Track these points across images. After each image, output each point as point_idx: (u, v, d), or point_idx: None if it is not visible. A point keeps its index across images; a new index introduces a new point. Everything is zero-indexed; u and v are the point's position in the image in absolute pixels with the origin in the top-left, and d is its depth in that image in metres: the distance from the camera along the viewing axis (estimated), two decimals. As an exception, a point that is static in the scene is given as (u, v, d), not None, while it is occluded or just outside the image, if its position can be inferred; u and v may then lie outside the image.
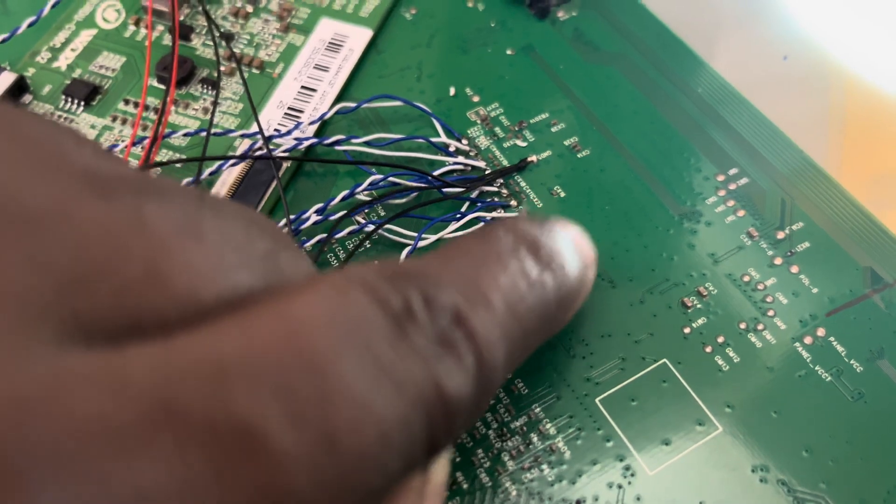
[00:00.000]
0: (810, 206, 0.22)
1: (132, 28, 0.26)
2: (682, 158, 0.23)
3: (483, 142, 0.24)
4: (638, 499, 0.18)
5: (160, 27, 0.26)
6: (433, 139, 0.23)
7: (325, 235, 0.21)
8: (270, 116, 0.24)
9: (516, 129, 0.24)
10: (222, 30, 0.26)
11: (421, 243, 0.21)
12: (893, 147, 0.25)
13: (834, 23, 0.28)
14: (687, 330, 0.20)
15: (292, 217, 0.21)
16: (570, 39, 0.26)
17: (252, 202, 0.22)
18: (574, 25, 0.27)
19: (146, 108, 0.24)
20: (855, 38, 0.27)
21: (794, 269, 0.21)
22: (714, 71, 0.25)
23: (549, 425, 0.19)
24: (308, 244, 0.21)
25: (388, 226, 0.22)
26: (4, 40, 0.24)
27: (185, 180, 0.22)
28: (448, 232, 0.21)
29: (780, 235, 0.22)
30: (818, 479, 0.18)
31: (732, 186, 0.23)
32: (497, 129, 0.24)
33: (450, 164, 0.23)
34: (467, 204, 0.22)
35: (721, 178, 0.23)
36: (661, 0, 0.27)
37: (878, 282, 0.21)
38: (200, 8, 0.26)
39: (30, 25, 0.24)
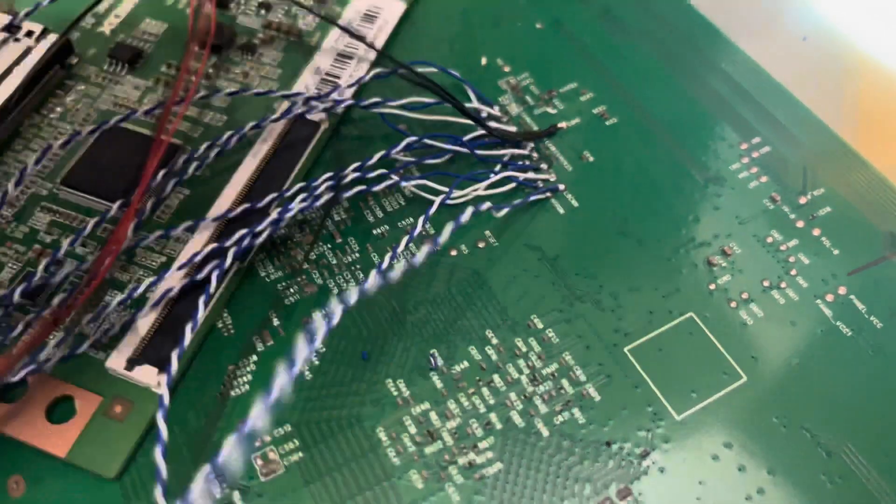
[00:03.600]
0: (830, 173, 0.23)
1: (173, -3, 0.27)
2: (707, 128, 0.24)
3: (514, 109, 0.25)
4: (666, 440, 0.19)
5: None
6: (466, 105, 0.24)
7: (364, 188, 0.22)
8: (308, 82, 0.25)
9: (546, 97, 0.25)
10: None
11: (450, 200, 0.22)
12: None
13: (852, 5, 0.29)
14: (712, 286, 0.21)
15: (331, 173, 0.22)
16: (597, 15, 0.27)
17: (293, 159, 0.23)
18: (602, 2, 0.28)
19: (187, 71, 0.25)
20: (872, 21, 0.28)
21: (816, 232, 0.22)
22: (737, 46, 0.26)
23: (579, 372, 0.20)
24: (346, 196, 0.22)
25: (421, 182, 0.22)
26: (52, 0, 0.25)
27: (228, 133, 0.22)
28: (482, 188, 0.22)
29: (802, 200, 0.23)
30: (840, 427, 0.19)
31: (755, 154, 0.24)
32: (527, 98, 0.25)
33: (483, 129, 0.23)
34: (499, 165, 0.23)
35: (744, 146, 0.24)
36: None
37: (897, 245, 0.22)
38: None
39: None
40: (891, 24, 0.28)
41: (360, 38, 0.23)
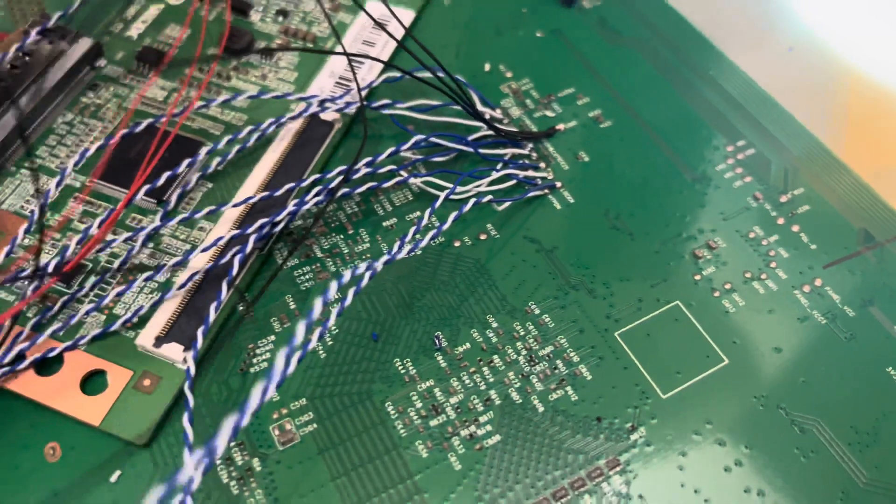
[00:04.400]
0: (810, 174, 0.25)
1: (196, 3, 0.29)
2: (695, 131, 0.26)
3: (515, 112, 0.26)
4: (652, 417, 0.20)
5: (221, 4, 0.29)
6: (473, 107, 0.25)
7: (374, 184, 0.23)
8: (323, 84, 0.27)
9: (545, 101, 0.27)
10: (278, 7, 0.29)
11: (454, 196, 0.24)
12: (892, 137, 0.27)
13: (837, 17, 0.30)
14: (697, 277, 0.23)
15: (344, 168, 0.23)
16: (594, 25, 0.29)
17: (308, 157, 0.24)
18: (598, 13, 0.29)
19: (200, 72, 0.27)
20: (858, 33, 0.30)
21: (795, 228, 0.24)
22: (724, 55, 0.28)
23: (572, 354, 0.21)
24: (358, 191, 0.23)
25: (428, 178, 0.24)
26: (84, 3, 0.27)
27: (248, 128, 0.24)
28: (484, 184, 0.24)
29: (783, 199, 0.24)
30: (813, 406, 0.20)
31: (741, 156, 0.25)
32: (527, 101, 0.27)
33: (485, 129, 0.25)
34: (501, 164, 0.25)
35: (730, 148, 0.25)
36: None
37: (870, 240, 0.23)
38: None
39: (106, -4, 0.27)
40: (872, 36, 0.30)
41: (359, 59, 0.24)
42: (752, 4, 0.31)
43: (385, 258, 0.20)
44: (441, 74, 0.26)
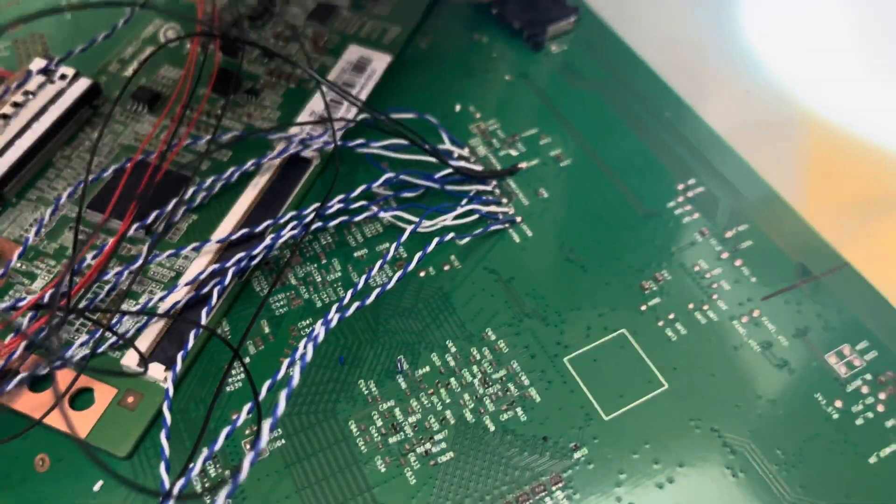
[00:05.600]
0: (753, 211, 0.26)
1: (188, 46, 0.31)
2: (649, 170, 0.28)
3: (482, 150, 0.28)
4: (595, 438, 0.22)
5: (211, 46, 0.31)
6: (440, 146, 0.27)
7: (346, 218, 0.25)
8: (302, 126, 0.28)
9: (510, 140, 0.28)
10: (265, 50, 0.31)
11: (420, 229, 0.26)
12: (849, 178, 0.29)
13: (794, 61, 0.32)
14: (643, 307, 0.24)
15: (319, 204, 0.25)
16: (559, 69, 0.31)
17: (287, 191, 0.26)
18: (564, 58, 0.31)
19: (190, 110, 0.29)
20: (817, 80, 0.32)
21: (738, 262, 0.25)
22: (682, 99, 0.30)
23: (524, 377, 0.23)
24: (332, 224, 0.25)
25: (397, 213, 0.26)
26: (83, 49, 0.29)
27: (231, 168, 0.26)
28: (449, 218, 0.26)
29: (728, 234, 0.26)
30: (745, 429, 0.22)
31: (690, 194, 0.27)
32: (494, 141, 0.29)
33: (451, 168, 0.27)
34: (466, 199, 0.26)
35: (681, 186, 0.27)
36: (639, 39, 0.32)
37: (806, 274, 0.25)
38: (247, 32, 0.30)
39: (105, 38, 0.29)
40: (827, 79, 0.32)
41: (346, 92, 0.26)
42: (713, 49, 0.33)
43: (356, 304, 0.22)
44: (411, 116, 0.28)
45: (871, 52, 0.33)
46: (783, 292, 0.25)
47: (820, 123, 0.30)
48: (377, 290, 0.23)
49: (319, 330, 0.20)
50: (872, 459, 0.21)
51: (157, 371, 0.22)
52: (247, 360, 0.23)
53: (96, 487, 0.21)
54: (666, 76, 0.31)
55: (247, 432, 0.22)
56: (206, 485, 0.21)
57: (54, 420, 0.22)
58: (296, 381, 0.18)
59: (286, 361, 0.21)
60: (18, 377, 0.22)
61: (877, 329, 0.24)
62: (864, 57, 0.33)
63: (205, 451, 0.20)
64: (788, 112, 0.31)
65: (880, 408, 0.22)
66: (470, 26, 0.32)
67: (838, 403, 0.22)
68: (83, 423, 0.22)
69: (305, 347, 0.19)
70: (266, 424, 0.17)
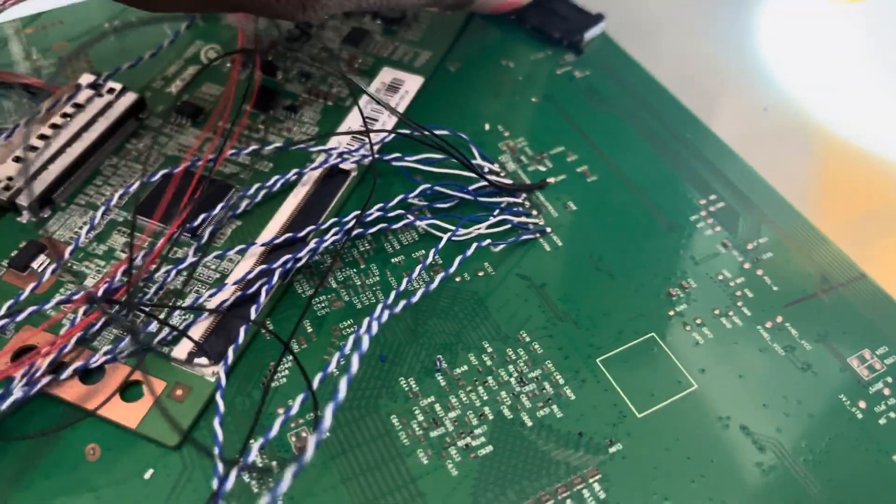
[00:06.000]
0: (774, 225, 0.28)
1: (228, 65, 0.32)
2: (671, 185, 0.29)
3: (511, 166, 0.30)
4: (628, 434, 0.23)
5: (250, 66, 0.32)
6: (471, 161, 0.29)
7: (385, 225, 0.26)
8: (341, 139, 0.30)
9: (538, 157, 0.30)
10: (303, 70, 0.32)
11: (455, 237, 0.27)
12: (863, 192, 0.30)
13: (810, 80, 0.34)
14: (671, 313, 0.25)
15: (358, 212, 0.26)
16: (583, 92, 0.32)
17: (327, 201, 0.27)
18: (588, 82, 0.33)
19: (232, 125, 0.30)
20: (830, 95, 0.33)
21: (759, 272, 0.26)
22: (699, 119, 0.31)
23: (558, 377, 0.24)
24: (370, 231, 0.26)
25: (433, 222, 0.27)
26: (132, 66, 0.30)
27: (275, 177, 0.27)
28: (483, 228, 0.27)
29: (749, 246, 0.27)
30: (772, 427, 0.23)
31: (712, 209, 0.28)
32: (522, 157, 0.30)
33: (485, 181, 0.28)
34: (498, 210, 0.28)
35: (703, 201, 0.28)
36: (659, 64, 0.33)
37: (825, 284, 0.26)
38: (287, 52, 0.32)
39: (151, 56, 0.31)
40: (842, 96, 0.33)
41: (385, 104, 0.28)
42: (728, 66, 0.34)
43: (403, 302, 0.23)
44: (444, 132, 0.29)
45: (882, 66, 0.35)
46: (804, 300, 0.26)
47: (834, 138, 0.32)
48: (421, 290, 0.24)
49: (372, 323, 0.21)
50: (895, 457, 0.22)
51: (203, 365, 0.23)
52: (290, 357, 0.24)
53: (147, 475, 0.22)
54: (682, 97, 0.32)
55: (292, 426, 0.23)
56: (255, 476, 0.22)
57: (105, 410, 0.22)
58: (354, 368, 0.19)
59: (337, 354, 0.22)
60: (71, 368, 0.23)
61: (895, 336, 0.25)
62: (876, 72, 0.35)
63: (260, 440, 0.21)
64: (803, 128, 0.32)
65: (901, 409, 0.23)
66: (497, 52, 0.34)
67: (862, 404, 0.23)
68: (133, 414, 0.23)
69: (360, 337, 0.20)
70: (329, 408, 0.18)
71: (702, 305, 0.26)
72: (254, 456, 0.21)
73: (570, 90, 0.33)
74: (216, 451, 0.21)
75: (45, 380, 0.22)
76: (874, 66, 0.35)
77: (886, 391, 0.24)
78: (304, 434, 0.22)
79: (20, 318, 0.23)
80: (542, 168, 0.30)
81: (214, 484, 0.21)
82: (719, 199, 0.29)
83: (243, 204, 0.27)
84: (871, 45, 0.36)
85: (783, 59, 0.35)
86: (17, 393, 0.22)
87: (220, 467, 0.21)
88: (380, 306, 0.22)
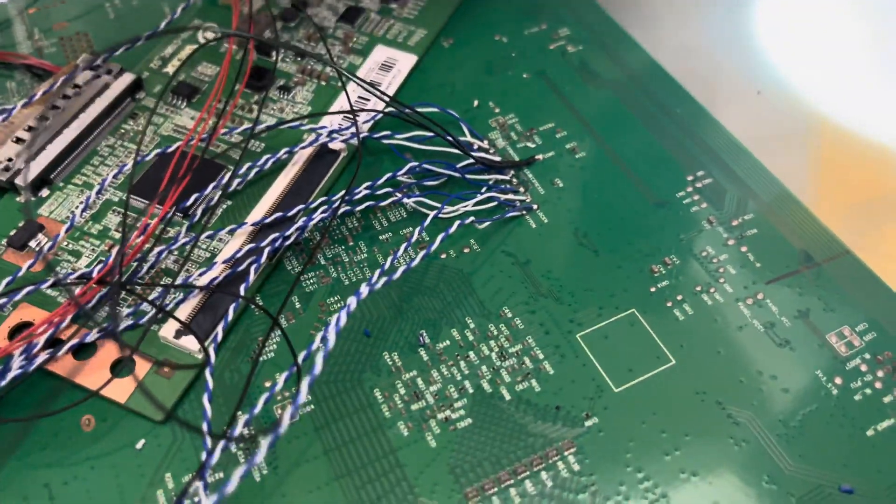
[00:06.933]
0: (759, 201, 0.28)
1: (225, 45, 0.33)
2: (659, 161, 0.29)
3: (500, 143, 0.30)
4: (605, 407, 0.23)
5: (245, 46, 0.32)
6: (461, 138, 0.29)
7: (373, 203, 0.27)
8: (333, 118, 0.30)
9: (528, 134, 0.30)
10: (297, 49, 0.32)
11: (442, 214, 0.27)
12: (854, 174, 0.30)
13: (803, 62, 0.34)
14: (653, 289, 0.26)
15: (343, 191, 0.27)
16: (576, 68, 0.32)
17: (317, 180, 0.28)
18: (580, 57, 0.33)
19: (225, 104, 0.30)
20: (826, 80, 0.33)
21: (744, 249, 0.27)
22: (691, 95, 0.31)
23: (538, 352, 0.24)
24: (358, 209, 0.27)
25: (420, 199, 0.27)
26: (128, 48, 0.31)
27: (266, 156, 0.28)
28: (470, 205, 0.27)
29: (734, 223, 0.27)
30: (748, 402, 0.23)
31: (699, 185, 0.28)
32: (512, 134, 0.30)
33: (472, 158, 0.28)
34: (485, 188, 0.28)
35: (690, 177, 0.29)
36: (651, 39, 0.33)
37: (809, 260, 0.26)
38: (279, 34, 0.32)
39: (147, 38, 0.31)
40: (836, 80, 0.33)
41: (374, 86, 0.28)
42: (725, 51, 0.34)
43: (384, 279, 0.23)
44: (434, 109, 0.29)
45: (880, 54, 0.34)
46: (786, 277, 0.26)
47: (828, 123, 0.32)
48: (403, 268, 0.24)
49: (351, 301, 0.22)
50: (870, 432, 0.23)
51: (191, 343, 0.24)
52: (278, 332, 0.25)
53: (139, 446, 0.22)
54: (678, 76, 0.32)
55: (279, 398, 0.23)
56: (243, 447, 0.22)
57: (96, 385, 0.23)
58: (331, 343, 0.20)
59: (320, 334, 0.22)
60: (67, 345, 0.24)
61: (876, 313, 0.25)
62: (873, 60, 0.34)
63: (246, 415, 0.22)
64: (798, 112, 0.32)
65: (878, 385, 0.23)
66: (491, 27, 0.34)
67: (838, 380, 0.24)
68: (123, 388, 0.23)
69: (339, 316, 0.21)
70: (305, 382, 0.19)
71: (684, 282, 0.26)
72: (241, 429, 0.22)
73: (561, 65, 0.33)
74: (204, 426, 0.22)
75: (42, 356, 0.23)
76: (871, 51, 0.35)
77: (864, 367, 0.24)
78: (289, 407, 0.23)
79: (18, 297, 0.24)
80: (531, 145, 0.30)
81: (203, 456, 0.21)
82: (707, 175, 0.29)
83: (234, 183, 0.28)
84: (868, 31, 0.36)
85: (780, 42, 0.35)
86: (16, 370, 0.23)
87: (209, 441, 0.22)
88: (363, 285, 0.23)
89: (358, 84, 0.28)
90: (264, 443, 0.18)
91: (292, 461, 0.22)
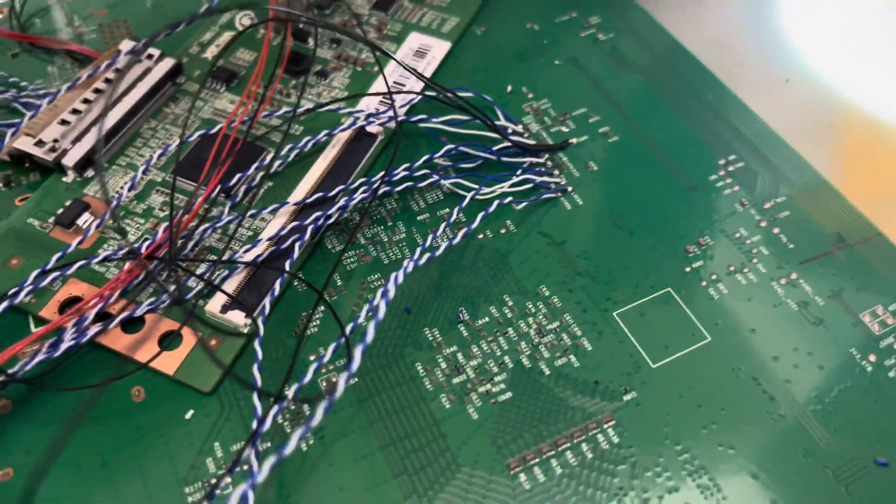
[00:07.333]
0: (791, 184, 0.28)
1: (262, 31, 0.33)
2: (692, 145, 0.30)
3: (534, 127, 0.30)
4: (642, 382, 0.24)
5: (282, 32, 0.33)
6: (496, 122, 0.29)
7: (411, 184, 0.27)
8: (369, 102, 0.31)
9: (561, 118, 0.31)
10: (332, 37, 0.33)
11: (479, 196, 0.28)
12: (885, 160, 0.30)
13: (832, 51, 0.34)
14: (688, 269, 0.26)
15: (383, 172, 0.27)
16: (607, 54, 0.33)
17: (355, 162, 0.29)
18: (611, 44, 0.33)
19: (263, 89, 0.31)
20: (851, 67, 0.33)
21: (776, 231, 0.27)
22: (721, 82, 0.32)
23: (576, 329, 0.25)
24: (397, 190, 0.27)
25: (457, 180, 0.28)
26: (168, 34, 0.31)
27: (306, 138, 0.28)
28: (506, 186, 0.28)
29: (767, 205, 0.28)
30: (782, 378, 0.24)
31: (731, 168, 0.29)
32: (546, 118, 0.31)
33: (508, 141, 0.29)
34: (520, 170, 0.28)
35: (722, 161, 0.29)
36: (681, 25, 0.34)
37: (841, 242, 0.27)
38: (316, 20, 0.33)
39: (186, 24, 0.32)
40: (863, 66, 0.33)
41: (412, 70, 0.28)
42: (754, 38, 0.35)
43: (427, 255, 0.24)
44: (469, 94, 0.30)
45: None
46: (819, 258, 0.26)
47: (856, 111, 0.32)
48: (444, 245, 0.25)
49: (398, 273, 0.22)
50: (903, 408, 0.23)
51: (236, 317, 0.25)
52: (322, 308, 0.25)
53: (188, 416, 0.23)
54: (708, 62, 0.32)
55: (323, 371, 0.24)
56: (289, 417, 0.23)
57: (145, 357, 0.24)
58: (381, 313, 0.20)
59: (366, 306, 0.23)
60: (118, 318, 0.24)
61: (908, 293, 0.25)
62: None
63: (295, 385, 0.22)
64: (826, 100, 0.32)
65: (911, 362, 0.24)
66: (523, 15, 0.35)
67: (872, 357, 0.24)
68: (171, 361, 0.24)
69: (386, 287, 0.21)
70: (358, 349, 0.19)
71: (718, 262, 0.26)
72: (289, 400, 0.22)
73: (593, 52, 0.33)
74: (255, 395, 0.22)
75: (93, 329, 0.24)
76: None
77: (897, 345, 0.24)
78: (334, 379, 0.24)
79: (69, 271, 0.25)
80: (565, 129, 0.30)
81: (253, 425, 0.22)
82: (739, 159, 0.29)
83: (275, 165, 0.28)
84: (894, 18, 0.36)
85: (807, 30, 0.35)
86: (69, 341, 0.24)
87: (259, 408, 0.22)
88: (406, 260, 0.24)
89: (398, 63, 0.28)
90: (321, 406, 0.19)
91: (338, 431, 0.23)
